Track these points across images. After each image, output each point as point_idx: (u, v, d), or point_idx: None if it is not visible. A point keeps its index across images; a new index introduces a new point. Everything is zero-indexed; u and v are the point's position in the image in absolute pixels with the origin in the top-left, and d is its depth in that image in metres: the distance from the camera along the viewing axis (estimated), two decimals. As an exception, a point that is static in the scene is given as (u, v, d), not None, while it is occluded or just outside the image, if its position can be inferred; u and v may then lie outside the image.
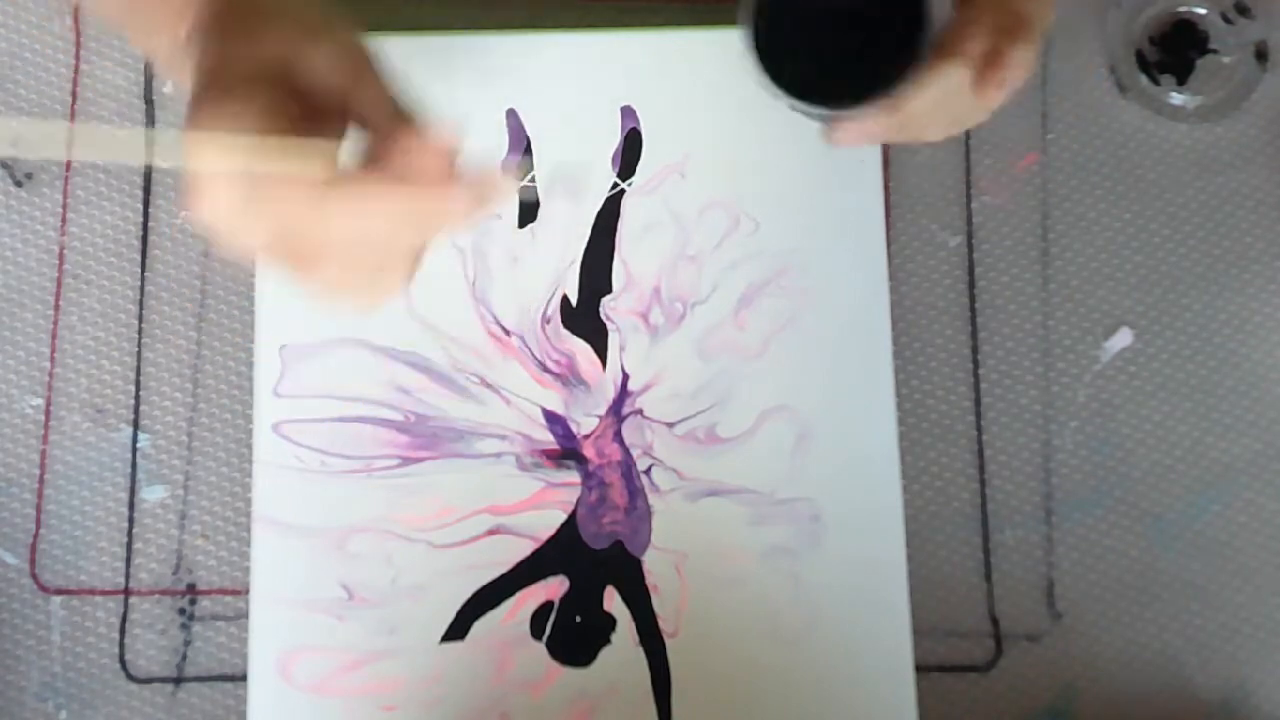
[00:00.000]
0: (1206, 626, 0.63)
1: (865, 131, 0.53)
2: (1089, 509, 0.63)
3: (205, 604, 0.62)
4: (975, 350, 0.65)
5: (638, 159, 0.62)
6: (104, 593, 0.62)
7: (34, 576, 0.62)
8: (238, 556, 0.62)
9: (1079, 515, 0.63)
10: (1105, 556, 0.63)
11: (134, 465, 0.63)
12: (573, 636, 0.59)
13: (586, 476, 0.60)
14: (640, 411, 0.61)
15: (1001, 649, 0.62)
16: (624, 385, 0.61)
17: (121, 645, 0.61)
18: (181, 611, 0.62)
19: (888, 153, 0.65)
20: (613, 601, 0.59)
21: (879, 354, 0.61)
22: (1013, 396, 0.64)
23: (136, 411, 0.63)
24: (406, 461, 0.60)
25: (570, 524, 0.60)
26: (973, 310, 0.65)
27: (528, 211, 0.62)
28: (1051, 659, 0.62)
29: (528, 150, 0.62)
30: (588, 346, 0.61)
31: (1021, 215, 0.66)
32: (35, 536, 0.62)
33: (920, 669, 0.60)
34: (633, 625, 0.59)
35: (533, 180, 0.62)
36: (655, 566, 0.59)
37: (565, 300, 0.61)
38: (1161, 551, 0.63)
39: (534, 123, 0.62)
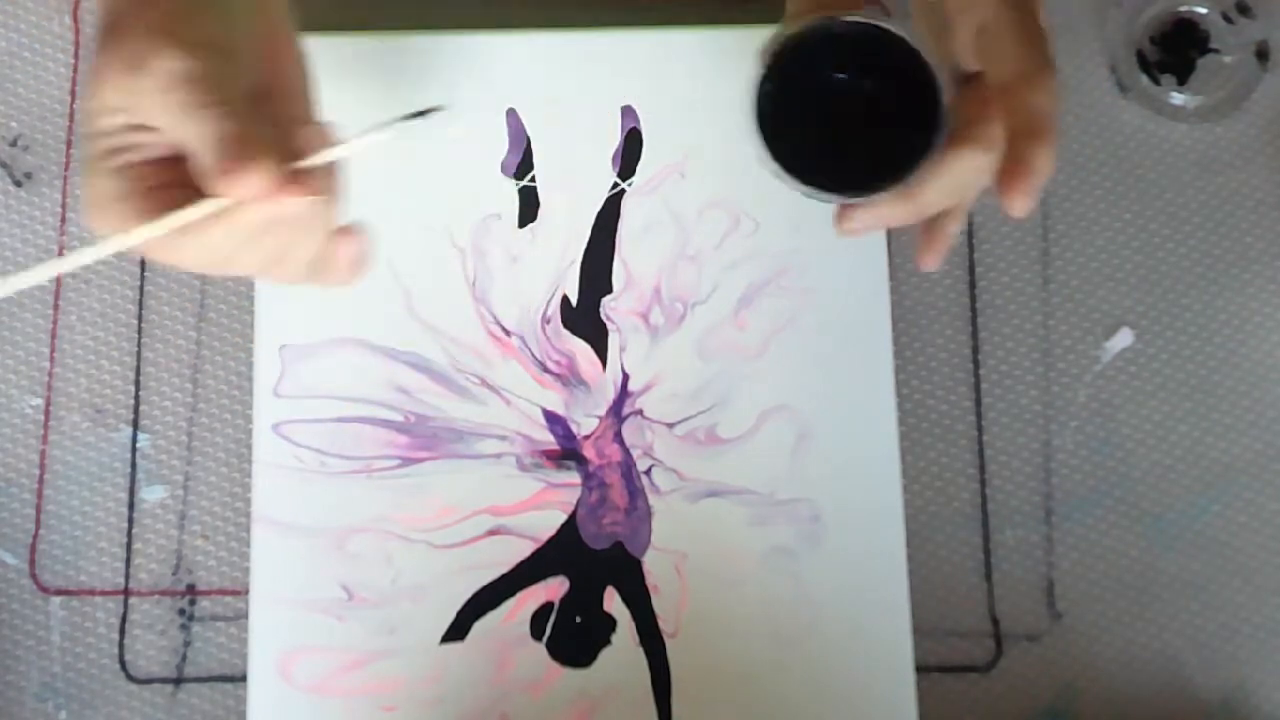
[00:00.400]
0: (1206, 626, 0.63)
1: (879, 218, 0.50)
2: (1089, 509, 0.63)
3: (205, 604, 0.62)
4: (975, 350, 0.65)
5: (638, 159, 0.62)
6: (104, 593, 0.62)
7: (34, 577, 0.62)
8: (238, 557, 0.62)
9: (1079, 515, 0.63)
10: (1105, 556, 0.63)
11: (134, 465, 0.63)
12: (573, 637, 0.59)
13: (587, 477, 0.60)
14: (640, 412, 0.61)
15: (1001, 649, 0.62)
16: (624, 385, 0.61)
17: (121, 645, 0.61)
18: (181, 612, 0.62)
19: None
20: (613, 602, 0.59)
21: (879, 354, 0.61)
22: (1013, 396, 0.64)
23: (136, 411, 0.63)
24: (406, 462, 0.60)
25: (570, 525, 0.60)
26: (973, 310, 0.65)
27: (528, 212, 0.62)
28: (1051, 659, 0.62)
29: (528, 150, 0.62)
30: (588, 347, 0.61)
31: (1022, 215, 0.66)
32: (35, 537, 0.62)
33: (920, 669, 0.60)
34: (633, 626, 0.59)
35: (533, 180, 0.62)
36: (655, 567, 0.59)
37: (565, 300, 0.61)
38: (1161, 551, 0.63)
39: (534, 122, 0.62)
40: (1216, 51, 0.67)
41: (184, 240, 0.44)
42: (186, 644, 0.61)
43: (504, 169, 0.62)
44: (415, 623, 0.59)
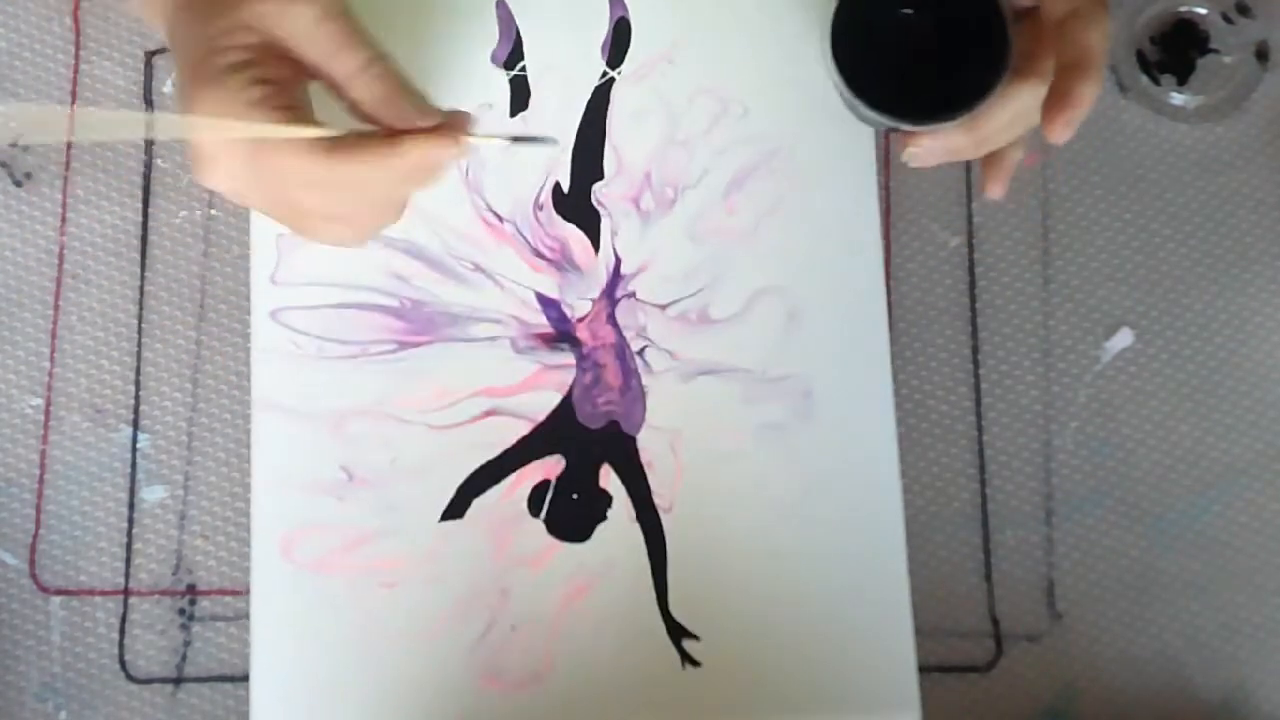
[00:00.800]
0: (1206, 626, 0.63)
1: (945, 147, 0.54)
2: (1089, 509, 0.64)
3: (205, 604, 0.62)
4: (975, 350, 0.65)
5: (626, 48, 0.63)
6: (104, 593, 0.62)
7: (34, 577, 0.62)
8: (238, 557, 0.62)
9: (1079, 515, 0.63)
10: (1105, 556, 0.63)
11: (134, 465, 0.63)
12: (570, 513, 0.60)
13: (581, 358, 0.61)
14: (633, 294, 0.61)
15: (1001, 649, 0.62)
16: (616, 269, 0.62)
17: (121, 645, 0.61)
18: (181, 612, 0.62)
19: (888, 152, 0.65)
20: (608, 479, 0.60)
21: (867, 233, 0.62)
22: (1013, 396, 0.64)
23: (136, 411, 0.63)
24: (403, 346, 0.60)
25: (566, 405, 0.60)
26: (973, 310, 0.65)
27: (519, 101, 0.62)
28: (1051, 659, 0.62)
29: (518, 40, 0.63)
30: (580, 232, 0.62)
31: (1022, 215, 0.66)
32: (35, 537, 0.62)
33: (920, 669, 0.60)
34: (629, 502, 0.60)
35: (523, 70, 0.62)
36: (650, 445, 0.60)
37: (557, 187, 0.62)
38: (1161, 551, 0.63)
39: (523, 13, 0.63)
40: (1216, 51, 0.67)
41: (341, 168, 0.47)
42: (186, 644, 0.61)
43: (494, 59, 0.62)
44: (414, 502, 0.59)
